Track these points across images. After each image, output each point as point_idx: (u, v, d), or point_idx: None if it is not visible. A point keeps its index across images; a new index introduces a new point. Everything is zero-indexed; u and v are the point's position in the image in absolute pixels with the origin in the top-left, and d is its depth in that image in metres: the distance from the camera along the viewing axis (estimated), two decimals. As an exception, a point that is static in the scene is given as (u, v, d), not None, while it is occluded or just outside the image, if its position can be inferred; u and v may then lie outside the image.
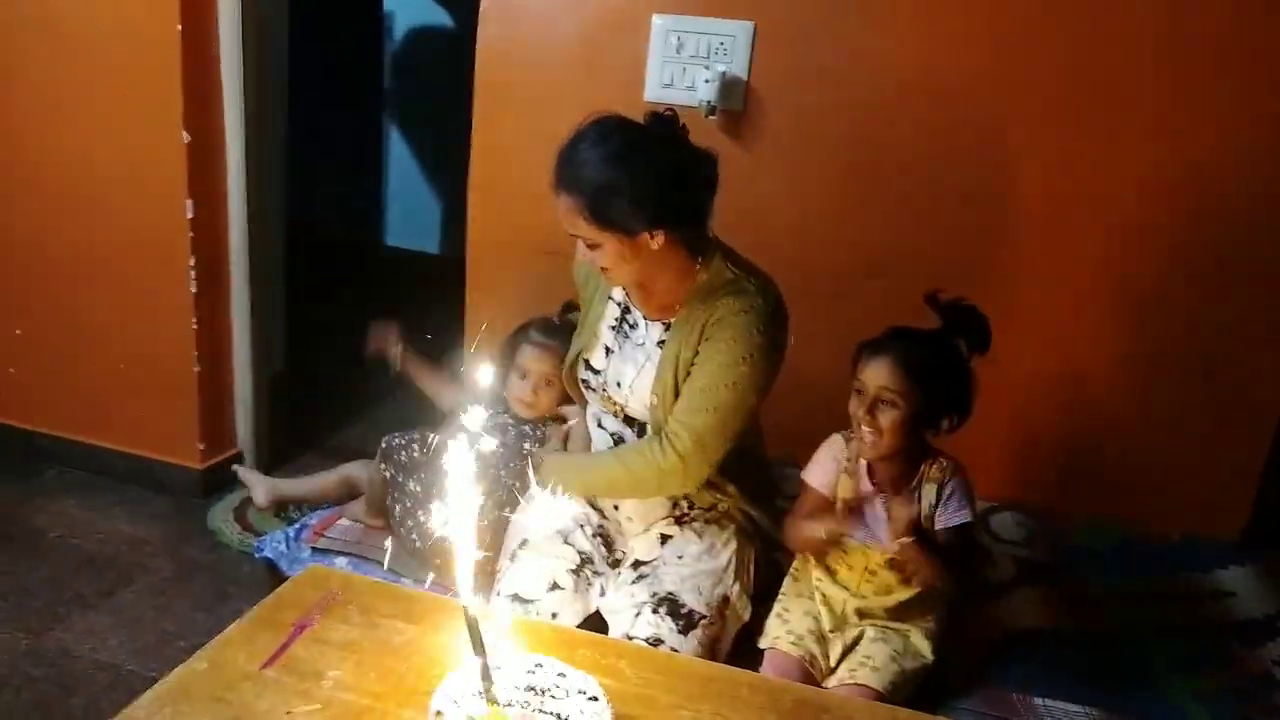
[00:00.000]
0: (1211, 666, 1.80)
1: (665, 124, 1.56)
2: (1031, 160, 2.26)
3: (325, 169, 4.77)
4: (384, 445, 1.99)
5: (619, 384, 1.75)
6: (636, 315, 1.74)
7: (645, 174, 1.50)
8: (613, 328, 1.76)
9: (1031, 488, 2.39)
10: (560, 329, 1.86)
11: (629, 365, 1.73)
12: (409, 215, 5.66)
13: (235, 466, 2.85)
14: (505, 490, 1.85)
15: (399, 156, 5.60)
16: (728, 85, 2.32)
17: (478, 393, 1.15)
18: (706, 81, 2.30)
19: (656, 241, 1.55)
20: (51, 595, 2.38)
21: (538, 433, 1.93)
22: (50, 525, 2.70)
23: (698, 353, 1.62)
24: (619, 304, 1.76)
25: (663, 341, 1.69)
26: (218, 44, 2.63)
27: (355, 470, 2.47)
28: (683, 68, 2.36)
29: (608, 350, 1.76)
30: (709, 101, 2.30)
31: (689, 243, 1.62)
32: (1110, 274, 2.29)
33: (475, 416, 1.08)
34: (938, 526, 1.60)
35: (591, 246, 1.56)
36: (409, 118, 5.52)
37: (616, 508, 1.81)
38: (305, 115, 3.59)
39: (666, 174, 1.53)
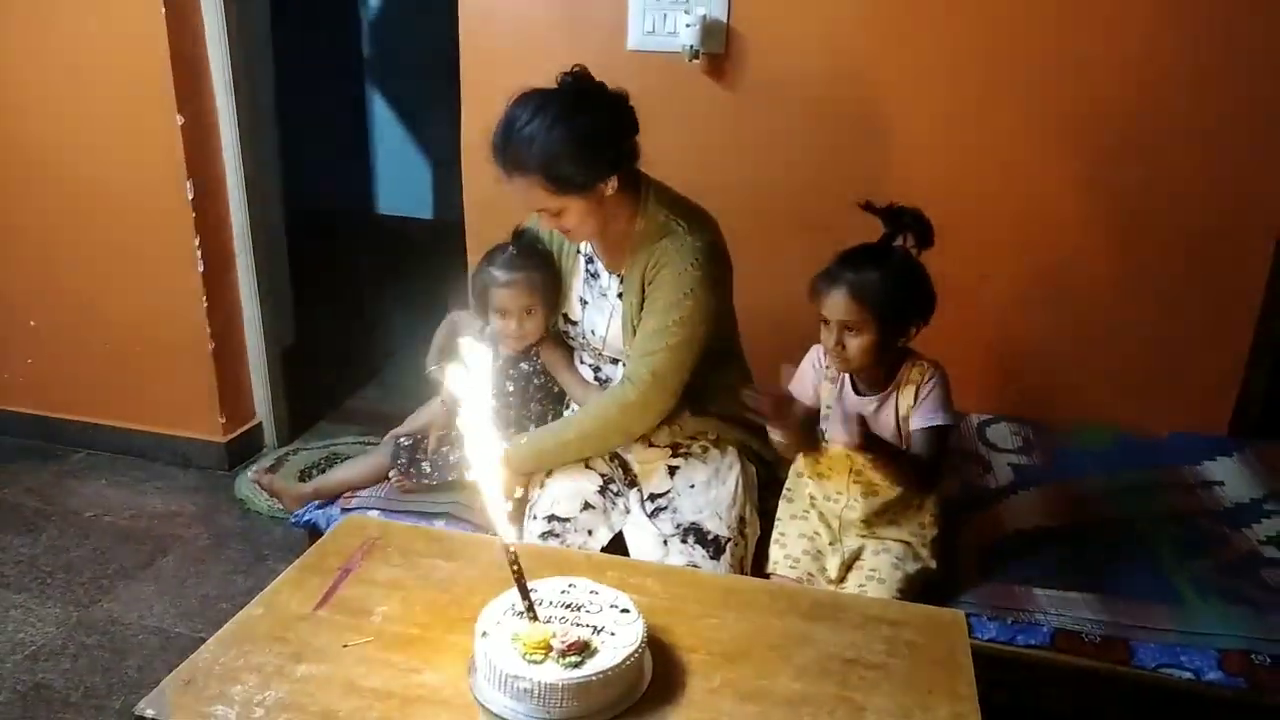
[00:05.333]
0: (1204, 548, 1.90)
1: (581, 80, 1.67)
2: (1010, 80, 2.30)
3: (313, 141, 4.78)
4: (393, 448, 2.02)
5: (593, 332, 1.88)
6: (598, 265, 1.85)
7: (585, 131, 1.61)
8: (584, 280, 1.88)
9: (1024, 398, 2.47)
10: (520, 255, 1.87)
11: (600, 315, 1.86)
12: (399, 182, 5.68)
13: (256, 477, 2.51)
14: (522, 425, 1.96)
15: (383, 123, 5.61)
16: (708, 28, 2.36)
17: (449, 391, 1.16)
18: (687, 26, 2.34)
19: (610, 187, 1.66)
20: (95, 569, 2.49)
21: (537, 364, 1.97)
22: (84, 505, 2.80)
23: (645, 298, 1.75)
24: (585, 255, 1.87)
25: (620, 294, 1.81)
26: (202, 25, 2.66)
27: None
28: (664, 14, 2.39)
29: (583, 301, 1.88)
30: (691, 46, 2.34)
31: (631, 183, 1.73)
32: (1090, 185, 2.34)
33: (479, 360, 1.16)
34: (912, 428, 1.64)
35: (555, 214, 1.67)
36: (390, 83, 5.51)
37: None
38: (289, 89, 3.62)
39: (602, 125, 1.64)
